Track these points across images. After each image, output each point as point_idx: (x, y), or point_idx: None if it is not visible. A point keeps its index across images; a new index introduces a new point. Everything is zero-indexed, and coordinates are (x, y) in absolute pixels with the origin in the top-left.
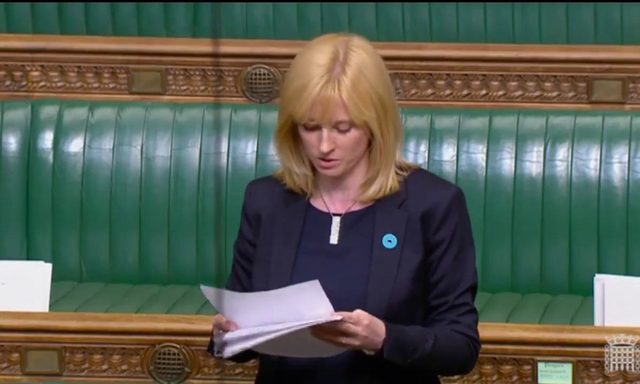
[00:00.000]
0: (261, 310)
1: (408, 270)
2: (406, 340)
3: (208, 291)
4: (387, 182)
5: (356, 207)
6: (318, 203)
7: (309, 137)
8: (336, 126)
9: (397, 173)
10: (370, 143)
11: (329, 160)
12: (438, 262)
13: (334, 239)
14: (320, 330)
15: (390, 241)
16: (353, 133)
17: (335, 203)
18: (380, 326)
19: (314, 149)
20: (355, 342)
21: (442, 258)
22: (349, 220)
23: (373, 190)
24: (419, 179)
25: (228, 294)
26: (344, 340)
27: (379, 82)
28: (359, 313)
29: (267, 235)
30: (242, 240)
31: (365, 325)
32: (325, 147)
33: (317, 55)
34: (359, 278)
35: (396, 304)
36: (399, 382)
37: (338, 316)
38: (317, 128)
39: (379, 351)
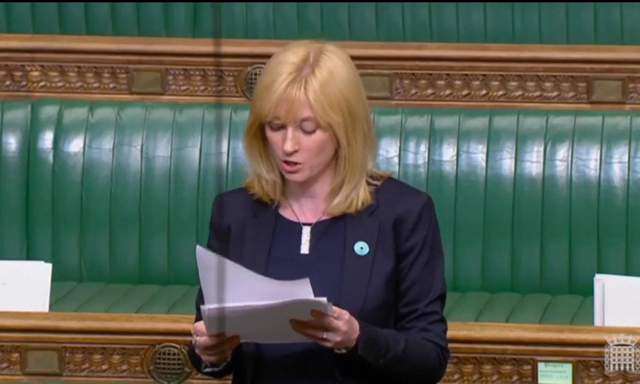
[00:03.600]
0: (249, 286)
1: (381, 276)
2: (379, 339)
3: (202, 253)
4: (358, 194)
5: (326, 217)
6: (287, 213)
7: (275, 137)
8: (301, 125)
9: (369, 184)
10: (337, 152)
11: (293, 164)
12: (408, 269)
13: (304, 249)
14: (302, 325)
15: (362, 248)
16: (318, 136)
17: (305, 213)
18: (355, 323)
19: (279, 150)
20: (336, 338)
21: (413, 266)
22: (319, 229)
23: (338, 201)
24: (390, 188)
25: (220, 259)
26: (325, 335)
27: (350, 89)
28: (339, 309)
29: (237, 247)
30: None
31: (346, 320)
32: (289, 146)
33: (289, 56)
34: (331, 285)
35: (369, 311)
36: (370, 382)
37: (324, 299)
38: (282, 128)
39: (352, 348)
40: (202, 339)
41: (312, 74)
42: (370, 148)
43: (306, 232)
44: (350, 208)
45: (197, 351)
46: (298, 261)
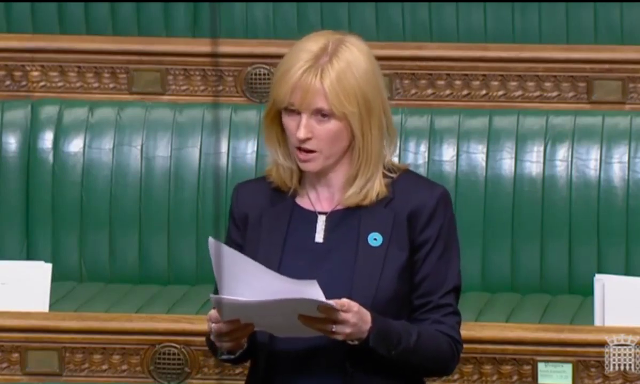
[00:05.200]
0: (258, 280)
1: (393, 268)
2: (391, 331)
3: (213, 243)
4: (373, 186)
5: (341, 206)
6: (304, 202)
7: (289, 123)
8: (315, 114)
9: (385, 176)
10: (352, 142)
11: (307, 152)
12: (422, 261)
13: (319, 237)
14: (310, 319)
15: (375, 239)
16: (332, 125)
17: (321, 202)
18: (367, 314)
19: (293, 137)
20: (346, 330)
21: (427, 258)
22: (334, 218)
23: (352, 192)
24: (406, 180)
25: (232, 252)
26: (334, 328)
27: (367, 81)
28: (348, 301)
29: (254, 235)
30: (230, 243)
31: (355, 312)
32: (302, 134)
33: (309, 44)
34: (343, 276)
35: (381, 302)
36: (381, 375)
37: (332, 302)
38: (298, 114)
39: (364, 340)
40: (216, 326)
41: (329, 63)
42: (390, 141)
43: (321, 221)
44: (365, 200)
45: (212, 337)
46: (312, 250)
